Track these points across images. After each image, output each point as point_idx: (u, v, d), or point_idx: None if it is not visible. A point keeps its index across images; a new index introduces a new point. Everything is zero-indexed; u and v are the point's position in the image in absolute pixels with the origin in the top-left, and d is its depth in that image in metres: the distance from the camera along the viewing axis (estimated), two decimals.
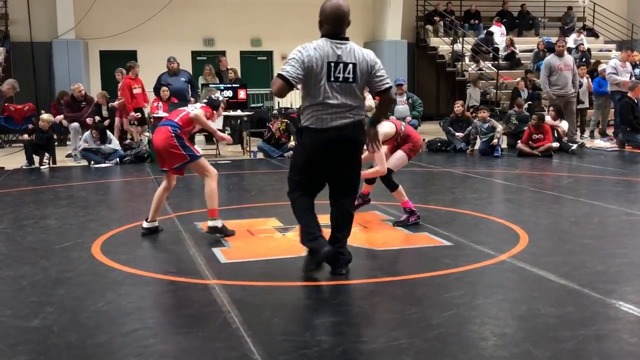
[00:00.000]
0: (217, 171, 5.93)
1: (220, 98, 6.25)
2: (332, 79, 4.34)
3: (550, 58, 13.15)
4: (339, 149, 4.43)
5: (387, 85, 4.51)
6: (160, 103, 12.46)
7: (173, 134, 5.70)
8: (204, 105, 6.05)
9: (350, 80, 4.38)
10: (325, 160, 4.47)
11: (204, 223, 6.26)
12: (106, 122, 12.54)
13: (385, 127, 6.11)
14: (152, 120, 12.70)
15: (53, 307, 4.03)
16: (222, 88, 12.79)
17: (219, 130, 6.55)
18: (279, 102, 17.92)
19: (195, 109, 5.93)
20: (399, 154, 6.23)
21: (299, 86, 4.42)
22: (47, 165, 11.34)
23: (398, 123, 6.33)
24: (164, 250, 5.54)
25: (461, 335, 3.53)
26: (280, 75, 4.28)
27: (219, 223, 5.75)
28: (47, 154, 11.48)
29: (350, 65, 4.39)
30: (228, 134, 14.44)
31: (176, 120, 5.81)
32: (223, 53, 19.12)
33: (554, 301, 4.00)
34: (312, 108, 4.38)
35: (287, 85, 4.27)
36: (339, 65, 4.36)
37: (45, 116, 11.89)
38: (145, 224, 5.94)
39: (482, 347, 3.35)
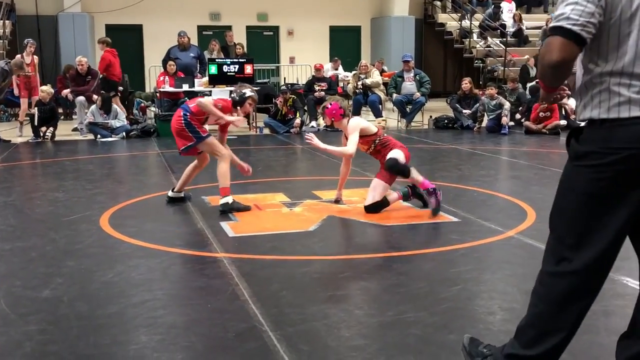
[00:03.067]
0: (229, 151, 5.98)
1: (247, 94, 6.03)
2: None
3: None
4: None
5: None
6: (167, 77, 12.43)
7: (182, 118, 5.86)
8: (224, 99, 6.08)
9: None
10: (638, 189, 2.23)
11: (211, 197, 6.30)
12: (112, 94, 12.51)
13: (365, 122, 6.02)
14: (158, 95, 12.69)
15: (63, 278, 4.06)
16: (229, 63, 12.74)
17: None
18: (285, 78, 17.86)
19: (204, 99, 5.97)
20: (397, 152, 5.82)
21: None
22: (49, 137, 11.37)
23: (381, 129, 6.11)
24: (172, 223, 5.55)
25: (469, 309, 3.55)
26: (557, 30, 2.16)
27: (229, 199, 5.76)
28: (51, 128, 11.51)
29: None
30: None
31: (190, 105, 5.94)
32: (229, 28, 19.02)
33: None
34: (607, 81, 2.21)
35: (577, 45, 2.15)
36: None
37: (44, 87, 11.89)
38: (170, 193, 6.19)
39: (489, 322, 3.37)
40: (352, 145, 5.77)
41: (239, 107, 6.03)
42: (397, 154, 5.79)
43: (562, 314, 2.38)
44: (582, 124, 2.34)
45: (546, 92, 2.34)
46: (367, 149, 5.97)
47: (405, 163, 5.76)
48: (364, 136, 5.86)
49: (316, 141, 5.74)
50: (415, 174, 5.68)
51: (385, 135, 6.06)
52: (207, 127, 6.06)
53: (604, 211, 2.27)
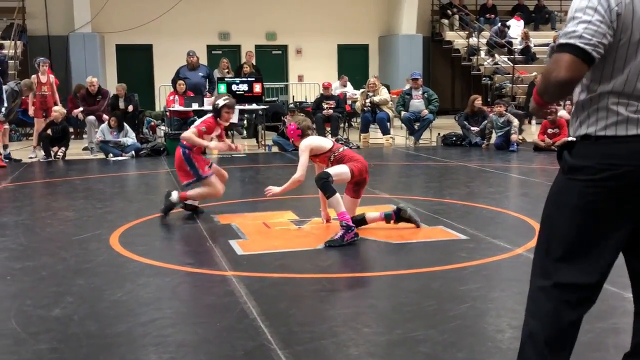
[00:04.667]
0: (220, 190, 6.47)
1: (220, 104, 6.42)
2: None
3: None
4: None
5: None
6: (177, 97, 12.53)
7: (182, 153, 6.34)
8: (208, 117, 6.52)
9: None
10: (634, 205, 2.22)
11: (220, 216, 6.34)
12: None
13: (319, 140, 5.92)
14: (168, 113, 12.78)
15: (73, 296, 4.09)
16: (238, 82, 12.83)
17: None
18: (293, 96, 17.94)
19: (187, 131, 6.43)
20: (341, 167, 5.58)
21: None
22: (60, 156, 11.45)
23: (337, 144, 5.90)
24: (181, 242, 5.59)
25: (478, 327, 3.55)
26: (568, 47, 2.14)
27: (174, 198, 6.30)
28: (62, 148, 11.60)
29: None
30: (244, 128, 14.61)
31: (185, 142, 6.39)
32: (238, 47, 19.20)
33: None
34: (606, 100, 2.21)
35: (586, 64, 2.13)
36: None
37: (56, 108, 11.97)
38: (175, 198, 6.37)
39: (498, 340, 3.36)
40: (299, 169, 5.64)
41: (218, 119, 6.46)
42: (337, 169, 5.54)
43: (554, 330, 2.32)
44: (574, 138, 2.33)
45: (539, 106, 2.30)
46: (325, 165, 5.79)
47: (331, 186, 5.38)
48: (318, 155, 5.75)
49: (274, 190, 5.77)
50: (336, 202, 5.36)
51: (344, 149, 5.79)
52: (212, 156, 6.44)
53: (596, 225, 2.24)
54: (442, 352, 3.19)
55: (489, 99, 17.14)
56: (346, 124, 14.65)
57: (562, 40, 2.17)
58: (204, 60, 16.41)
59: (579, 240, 2.26)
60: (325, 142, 5.88)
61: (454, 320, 3.58)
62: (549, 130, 11.76)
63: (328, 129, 13.26)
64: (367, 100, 13.16)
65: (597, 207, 2.23)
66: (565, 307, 2.29)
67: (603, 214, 2.23)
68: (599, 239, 2.25)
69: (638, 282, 2.36)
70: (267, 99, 16.20)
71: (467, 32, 19.87)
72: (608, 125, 2.20)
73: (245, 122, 14.44)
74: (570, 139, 2.34)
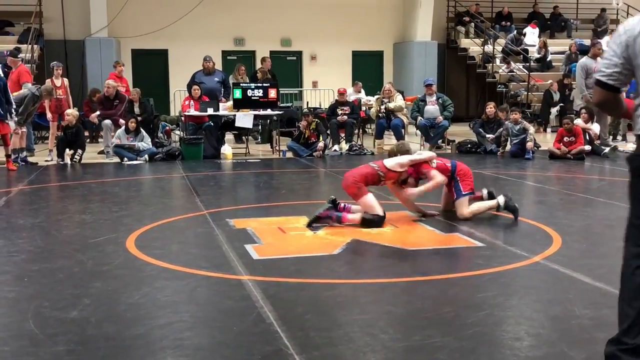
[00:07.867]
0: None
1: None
2: None
3: (585, 60, 13.05)
4: None
5: None
6: (192, 101, 12.57)
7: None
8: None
9: None
10: None
11: (236, 220, 6.34)
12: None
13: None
14: (183, 118, 12.82)
15: (90, 299, 4.10)
16: (253, 87, 12.87)
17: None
18: (307, 102, 17.99)
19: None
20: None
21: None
22: (77, 160, 11.51)
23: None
24: (197, 246, 5.59)
25: (496, 335, 3.52)
26: (597, 82, 2.89)
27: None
28: (79, 150, 11.65)
29: None
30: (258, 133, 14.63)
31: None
32: (253, 53, 19.28)
33: (589, 303, 3.97)
34: (638, 109, 2.88)
35: (607, 90, 2.86)
36: None
37: (69, 111, 12.05)
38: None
39: (516, 347, 3.34)
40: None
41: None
42: None
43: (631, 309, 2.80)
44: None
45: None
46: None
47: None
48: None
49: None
50: None
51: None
52: None
53: None
54: (460, 359, 3.17)
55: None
56: (360, 130, 14.65)
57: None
58: (219, 66, 16.48)
59: None
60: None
61: (471, 328, 3.56)
62: (565, 139, 11.71)
63: (342, 134, 13.27)
64: (382, 107, 13.16)
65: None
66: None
67: None
68: None
69: None
70: (281, 105, 16.24)
71: (482, 40, 19.83)
72: (638, 128, 2.89)
73: (260, 127, 14.47)
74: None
